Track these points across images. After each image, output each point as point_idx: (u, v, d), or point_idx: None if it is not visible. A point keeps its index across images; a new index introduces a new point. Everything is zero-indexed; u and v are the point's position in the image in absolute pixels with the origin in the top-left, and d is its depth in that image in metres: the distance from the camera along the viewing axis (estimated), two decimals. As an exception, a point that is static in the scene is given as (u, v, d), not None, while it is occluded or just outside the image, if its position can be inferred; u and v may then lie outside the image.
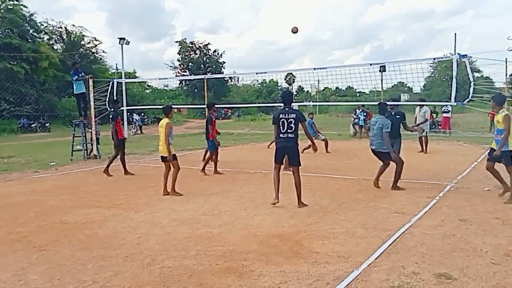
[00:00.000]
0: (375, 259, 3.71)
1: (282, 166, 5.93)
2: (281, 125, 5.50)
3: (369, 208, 5.50)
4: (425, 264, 3.59)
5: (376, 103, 11.41)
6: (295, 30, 9.74)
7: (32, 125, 26.34)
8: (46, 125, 26.89)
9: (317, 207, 5.64)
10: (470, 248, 3.96)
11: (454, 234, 4.36)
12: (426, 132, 11.54)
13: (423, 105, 11.85)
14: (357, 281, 3.27)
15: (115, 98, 12.26)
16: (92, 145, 11.67)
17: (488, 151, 6.10)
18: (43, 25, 32.74)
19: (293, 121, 5.49)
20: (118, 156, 8.71)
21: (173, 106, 8.64)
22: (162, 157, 6.75)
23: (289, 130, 5.50)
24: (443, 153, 11.47)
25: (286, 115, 5.51)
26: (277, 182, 5.72)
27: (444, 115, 19.18)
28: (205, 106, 13.52)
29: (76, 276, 3.49)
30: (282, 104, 5.76)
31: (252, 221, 5.02)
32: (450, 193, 6.42)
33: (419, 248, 3.97)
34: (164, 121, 6.71)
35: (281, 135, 5.55)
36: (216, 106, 9.92)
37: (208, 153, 8.95)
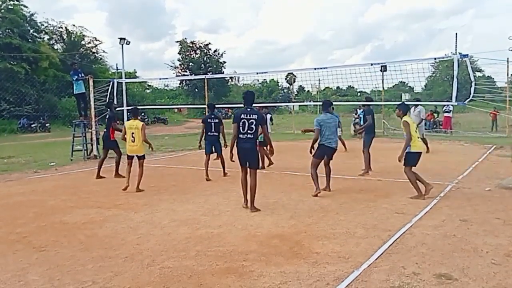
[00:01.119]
0: (376, 259, 3.70)
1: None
2: (241, 125, 5.38)
3: (370, 209, 5.49)
4: (426, 264, 3.58)
5: (378, 103, 11.43)
6: None
7: (32, 125, 26.34)
8: (46, 125, 26.90)
9: (317, 207, 5.63)
10: (470, 248, 3.95)
11: (455, 234, 4.35)
12: (422, 134, 10.94)
13: (418, 104, 11.40)
14: (357, 282, 3.26)
15: (111, 100, 12.19)
16: (92, 145, 11.67)
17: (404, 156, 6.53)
18: (43, 25, 32.79)
19: (254, 122, 5.39)
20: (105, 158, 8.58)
21: (174, 106, 8.59)
22: (135, 156, 7.13)
23: (249, 131, 5.39)
24: (444, 153, 11.44)
25: (248, 115, 5.39)
26: (245, 184, 5.53)
27: (446, 114, 19.16)
28: (205, 106, 13.56)
29: (76, 277, 3.48)
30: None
31: (252, 221, 5.01)
32: (451, 193, 6.41)
33: (419, 249, 3.96)
34: (137, 123, 7.12)
35: (240, 136, 5.41)
36: (216, 106, 9.65)
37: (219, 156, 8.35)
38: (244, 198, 5.62)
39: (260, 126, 5.47)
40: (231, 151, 5.54)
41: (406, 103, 7.51)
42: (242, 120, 5.38)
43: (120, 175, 8.27)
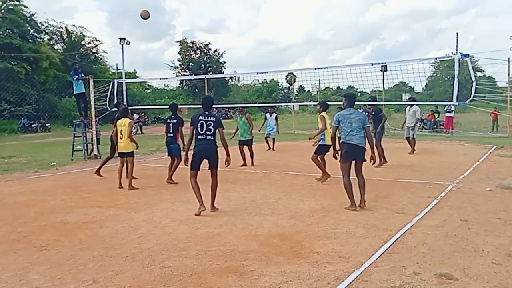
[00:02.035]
0: (376, 259, 3.70)
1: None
2: (199, 126, 5.37)
3: (370, 208, 5.49)
4: (426, 264, 3.57)
5: (378, 103, 11.44)
6: (144, 15, 9.52)
7: (33, 125, 26.35)
8: (47, 125, 26.90)
9: (318, 207, 5.63)
10: (471, 248, 3.94)
11: (456, 234, 4.35)
12: (413, 134, 11.01)
13: (413, 104, 11.27)
14: (358, 281, 3.26)
15: (118, 100, 12.13)
16: (92, 145, 11.68)
17: (317, 146, 7.51)
18: (43, 25, 32.76)
19: (212, 124, 5.42)
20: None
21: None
22: (122, 153, 7.35)
23: (208, 132, 5.39)
24: (445, 153, 11.43)
25: (206, 117, 5.43)
26: (197, 189, 5.41)
27: (447, 114, 19.15)
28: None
29: (77, 276, 3.48)
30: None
31: (253, 221, 5.01)
32: (452, 193, 6.40)
33: (420, 248, 3.96)
34: (126, 120, 7.32)
35: (199, 137, 5.38)
36: (216, 106, 9.71)
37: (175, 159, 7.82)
38: (199, 202, 5.35)
39: (217, 129, 5.44)
40: (186, 154, 5.62)
41: (410, 102, 8.15)
42: (200, 122, 5.39)
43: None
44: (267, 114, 13.26)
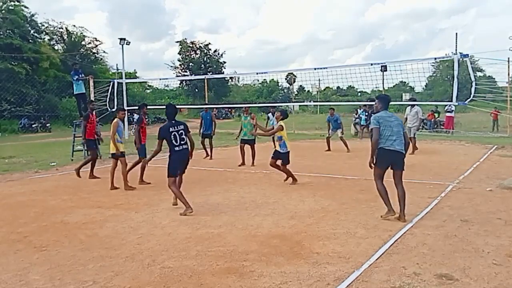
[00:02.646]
0: (376, 259, 3.69)
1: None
2: (173, 138, 5.56)
3: (370, 209, 5.49)
4: (427, 264, 3.57)
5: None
6: None
7: (33, 125, 26.39)
8: (47, 125, 26.94)
9: (318, 207, 5.62)
10: (472, 248, 3.94)
11: (456, 235, 4.34)
12: (414, 134, 11.06)
13: (414, 104, 11.37)
14: (358, 282, 3.26)
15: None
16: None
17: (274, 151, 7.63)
18: (44, 25, 32.85)
19: (183, 133, 5.67)
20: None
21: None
22: (113, 154, 7.31)
23: (182, 142, 5.63)
24: (445, 153, 11.43)
25: (176, 127, 5.62)
26: (179, 192, 5.60)
27: (448, 114, 19.12)
28: (205, 106, 13.55)
29: (77, 277, 3.48)
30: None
31: (253, 221, 5.01)
32: (452, 193, 6.39)
33: (420, 249, 3.95)
34: (114, 120, 7.32)
35: (176, 148, 5.59)
36: (216, 106, 9.81)
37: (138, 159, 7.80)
38: (185, 204, 5.49)
39: (186, 134, 5.73)
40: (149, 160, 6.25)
41: (402, 103, 7.93)
42: (173, 133, 5.56)
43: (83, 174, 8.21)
44: (270, 115, 13.71)
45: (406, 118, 11.25)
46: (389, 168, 5.02)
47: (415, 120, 10.99)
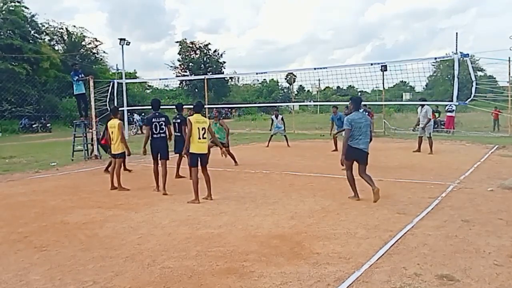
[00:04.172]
0: (377, 260, 3.68)
1: None
2: (153, 127, 6.78)
3: (371, 209, 5.48)
4: (427, 265, 3.56)
5: (378, 102, 11.49)
6: None
7: (33, 126, 26.43)
8: (47, 125, 26.98)
9: (318, 208, 5.61)
10: (473, 249, 3.93)
11: (457, 235, 4.33)
12: (430, 133, 11.12)
13: (424, 104, 11.43)
14: (358, 282, 3.25)
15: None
16: (92, 145, 11.67)
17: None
18: (44, 26, 32.91)
19: (163, 124, 6.85)
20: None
21: (174, 106, 8.57)
22: (115, 154, 7.28)
23: (160, 131, 6.85)
24: (446, 153, 11.40)
25: (157, 119, 6.83)
26: (157, 173, 6.85)
27: (448, 114, 19.08)
28: (205, 106, 13.54)
29: (77, 277, 3.48)
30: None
31: (253, 221, 5.00)
32: (453, 193, 6.38)
33: (421, 249, 3.94)
34: (116, 121, 7.28)
35: (154, 135, 6.81)
36: (216, 106, 9.75)
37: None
38: (156, 184, 6.87)
39: (167, 126, 6.90)
40: (144, 147, 7.01)
41: (411, 102, 7.84)
42: (154, 123, 6.81)
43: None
44: (273, 117, 14.34)
45: (419, 119, 11.33)
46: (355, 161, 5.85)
47: (425, 119, 11.04)
